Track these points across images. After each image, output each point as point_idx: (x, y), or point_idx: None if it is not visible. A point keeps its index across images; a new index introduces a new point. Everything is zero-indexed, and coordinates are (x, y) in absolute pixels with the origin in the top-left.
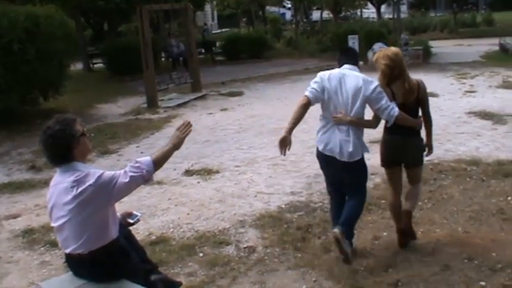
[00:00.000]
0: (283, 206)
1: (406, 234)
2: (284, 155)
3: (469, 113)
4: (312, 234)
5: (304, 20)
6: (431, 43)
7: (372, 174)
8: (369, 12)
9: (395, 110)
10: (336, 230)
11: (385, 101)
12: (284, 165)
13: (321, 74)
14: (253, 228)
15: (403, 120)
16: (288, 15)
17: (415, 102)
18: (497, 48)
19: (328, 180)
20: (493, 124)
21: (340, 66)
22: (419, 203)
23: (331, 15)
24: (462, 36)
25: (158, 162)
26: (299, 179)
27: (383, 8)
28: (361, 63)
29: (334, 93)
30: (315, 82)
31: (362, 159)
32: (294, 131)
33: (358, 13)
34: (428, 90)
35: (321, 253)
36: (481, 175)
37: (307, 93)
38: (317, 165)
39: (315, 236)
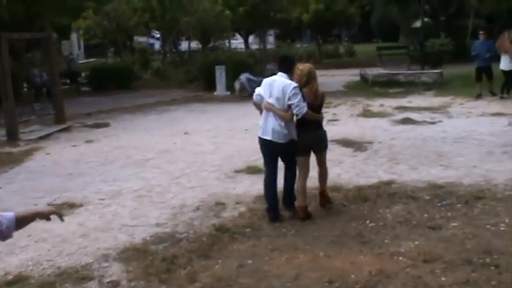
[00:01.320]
0: (148, 238)
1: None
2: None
3: (332, 140)
4: (177, 265)
5: (173, 50)
6: None
7: (237, 203)
8: (237, 42)
9: (304, 109)
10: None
11: (298, 99)
12: (150, 196)
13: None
14: (117, 261)
15: (309, 115)
16: (157, 45)
17: (319, 105)
18: (358, 78)
19: (264, 156)
20: (354, 151)
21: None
22: (284, 231)
23: (200, 46)
24: (326, 66)
25: (21, 221)
26: (165, 210)
27: (251, 38)
28: (228, 93)
29: (265, 95)
30: (257, 89)
31: (290, 143)
32: (159, 162)
33: (227, 43)
34: None
35: (186, 283)
36: (342, 200)
37: (253, 97)
38: (182, 195)
39: (180, 267)
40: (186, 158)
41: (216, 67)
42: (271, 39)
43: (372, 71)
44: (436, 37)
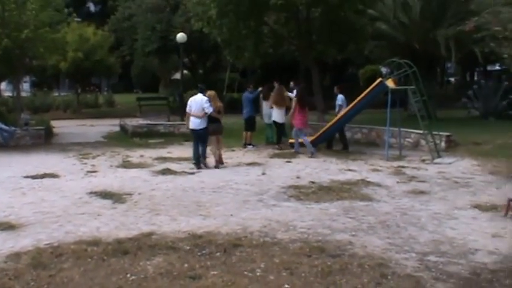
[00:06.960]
0: None
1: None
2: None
3: (91, 193)
4: None
5: None
6: (54, 123)
7: None
8: None
9: (210, 110)
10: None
11: (207, 105)
12: None
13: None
14: None
15: (213, 114)
16: None
17: (218, 111)
18: (118, 128)
19: (194, 139)
20: (113, 203)
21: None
22: None
23: None
24: (85, 116)
25: None
26: None
27: (3, 85)
28: None
29: (190, 106)
30: (188, 105)
31: (204, 129)
32: None
33: None
34: (49, 171)
35: None
36: (101, 255)
37: (187, 109)
38: None
39: None
40: None
41: None
42: (26, 86)
43: (132, 122)
44: (194, 89)
